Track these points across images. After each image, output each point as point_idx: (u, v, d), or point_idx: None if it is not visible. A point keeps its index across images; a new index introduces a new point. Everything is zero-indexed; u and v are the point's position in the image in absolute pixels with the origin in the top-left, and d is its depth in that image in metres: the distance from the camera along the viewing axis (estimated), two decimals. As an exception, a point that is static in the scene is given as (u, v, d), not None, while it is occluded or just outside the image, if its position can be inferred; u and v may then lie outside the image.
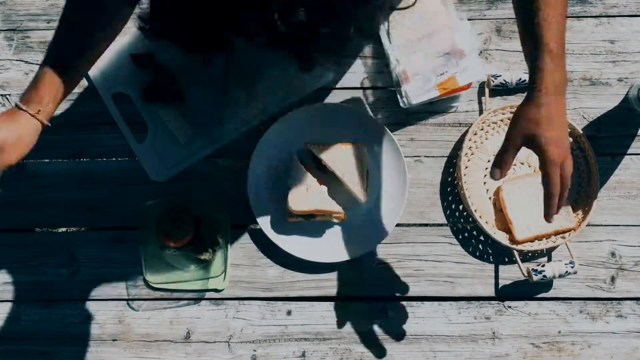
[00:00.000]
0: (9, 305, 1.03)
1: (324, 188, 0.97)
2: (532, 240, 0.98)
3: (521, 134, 0.73)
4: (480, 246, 1.02)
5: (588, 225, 1.01)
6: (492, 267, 1.02)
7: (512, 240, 0.98)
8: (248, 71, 1.02)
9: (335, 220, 0.99)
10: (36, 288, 1.02)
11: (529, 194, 0.97)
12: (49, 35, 1.04)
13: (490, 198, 1.00)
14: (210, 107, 1.02)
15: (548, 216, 0.74)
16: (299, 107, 1.02)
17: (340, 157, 0.97)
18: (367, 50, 1.04)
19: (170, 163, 1.02)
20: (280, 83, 1.02)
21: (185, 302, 1.02)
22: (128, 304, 1.02)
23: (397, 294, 1.02)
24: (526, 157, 1.01)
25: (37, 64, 1.05)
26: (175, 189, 1.03)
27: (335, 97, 1.04)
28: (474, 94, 1.03)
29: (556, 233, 0.99)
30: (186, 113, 1.02)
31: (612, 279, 1.01)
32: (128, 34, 1.03)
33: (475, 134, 1.00)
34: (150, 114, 1.02)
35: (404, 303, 1.02)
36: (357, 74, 1.04)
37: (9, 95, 1.05)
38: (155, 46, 1.01)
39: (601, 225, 1.02)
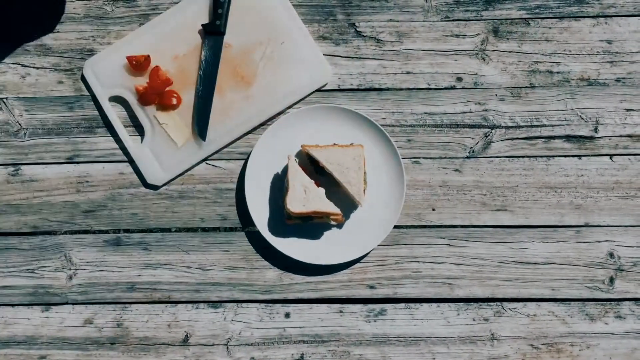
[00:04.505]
0: (7, 309, 1.02)
1: (322, 190, 0.97)
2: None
3: None
4: (478, 247, 1.02)
5: (586, 225, 1.01)
6: (490, 268, 1.01)
7: None
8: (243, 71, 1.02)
9: (333, 223, 0.99)
10: (34, 292, 1.02)
11: None
12: (46, 39, 1.04)
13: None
14: (207, 110, 1.02)
15: None
16: (296, 108, 1.02)
17: (337, 159, 0.97)
18: (365, 51, 1.04)
19: (167, 166, 1.02)
20: (278, 83, 1.02)
21: (184, 305, 1.02)
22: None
23: (396, 296, 1.02)
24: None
25: (33, 67, 1.04)
26: (172, 192, 1.03)
27: (332, 99, 1.04)
28: (471, 95, 1.03)
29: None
30: (183, 116, 1.02)
31: (611, 279, 1.01)
32: (124, 36, 1.03)
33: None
34: (146, 117, 1.02)
35: (402, 305, 1.01)
36: (353, 75, 1.04)
37: (6, 98, 1.04)
38: (152, 49, 1.01)
39: (599, 226, 1.02)
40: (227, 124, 1.02)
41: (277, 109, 1.03)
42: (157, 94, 1.01)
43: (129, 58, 1.01)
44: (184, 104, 1.02)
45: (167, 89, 1.02)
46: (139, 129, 1.03)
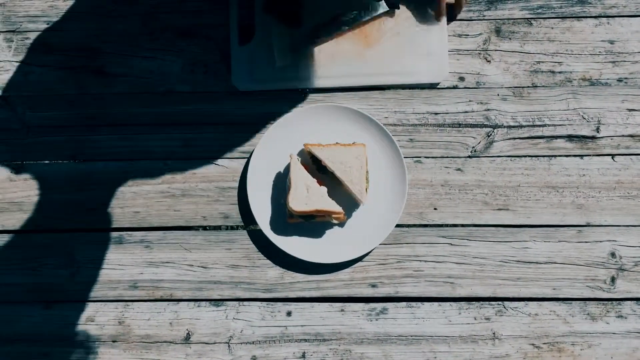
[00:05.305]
0: (9, 306, 1.03)
1: (324, 189, 0.97)
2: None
3: None
4: (480, 246, 1.02)
5: (588, 225, 1.01)
6: (492, 267, 1.02)
7: None
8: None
9: (334, 221, 0.99)
10: (36, 289, 1.02)
11: None
12: (49, 37, 1.05)
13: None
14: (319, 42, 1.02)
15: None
16: (298, 107, 1.02)
17: (339, 158, 0.97)
18: (367, 51, 1.05)
19: (257, 77, 1.02)
20: (394, 59, 1.03)
21: (185, 303, 1.02)
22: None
23: (397, 295, 1.02)
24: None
25: (37, 66, 1.05)
26: (175, 190, 1.03)
27: (335, 98, 1.04)
28: (473, 95, 1.03)
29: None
30: (296, 39, 1.02)
31: (612, 279, 1.01)
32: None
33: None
34: (263, 25, 1.02)
35: (404, 304, 1.02)
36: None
37: (9, 96, 1.05)
38: None
39: (601, 225, 1.02)
40: (327, 69, 1.02)
41: (380, 81, 1.03)
42: (282, 8, 1.00)
43: None
44: (303, 28, 1.02)
45: (294, 6, 1.01)
46: (251, 33, 1.02)
